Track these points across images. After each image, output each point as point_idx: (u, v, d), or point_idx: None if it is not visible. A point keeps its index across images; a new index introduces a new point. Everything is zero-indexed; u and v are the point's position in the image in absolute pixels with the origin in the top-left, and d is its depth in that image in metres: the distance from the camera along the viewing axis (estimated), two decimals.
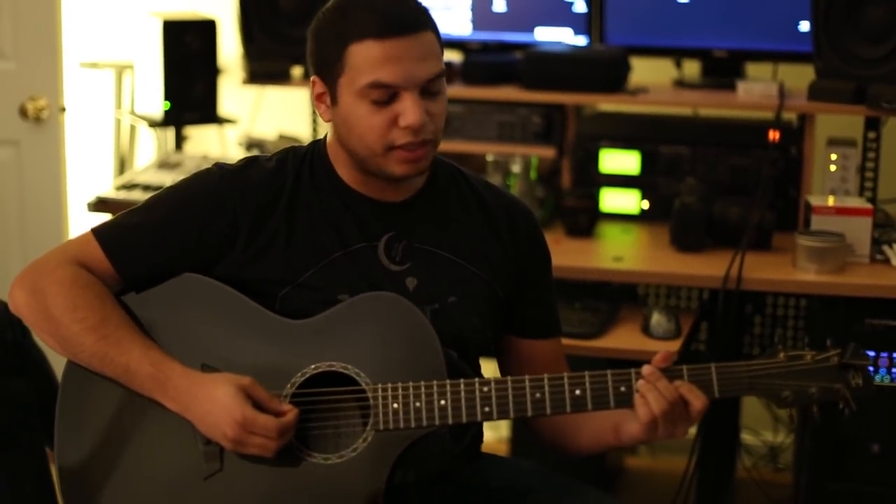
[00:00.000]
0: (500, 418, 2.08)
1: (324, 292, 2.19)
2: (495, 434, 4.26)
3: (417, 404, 2.07)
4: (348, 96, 2.13)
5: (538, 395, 2.07)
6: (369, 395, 2.09)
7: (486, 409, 2.07)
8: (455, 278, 2.25)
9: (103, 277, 2.20)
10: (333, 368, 2.12)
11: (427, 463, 2.19)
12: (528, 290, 2.34)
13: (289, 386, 2.11)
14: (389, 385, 2.08)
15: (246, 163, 2.28)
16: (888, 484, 3.14)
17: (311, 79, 2.21)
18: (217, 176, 2.25)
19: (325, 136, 2.30)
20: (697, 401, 2.05)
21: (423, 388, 2.08)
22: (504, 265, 2.30)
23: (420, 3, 2.19)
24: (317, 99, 2.21)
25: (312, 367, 2.12)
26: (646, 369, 2.07)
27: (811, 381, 2.06)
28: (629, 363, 3.58)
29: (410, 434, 2.08)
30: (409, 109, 2.09)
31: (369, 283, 2.20)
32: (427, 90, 2.12)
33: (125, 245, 2.21)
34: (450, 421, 2.07)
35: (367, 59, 2.09)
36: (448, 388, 2.08)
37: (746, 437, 4.10)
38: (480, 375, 2.28)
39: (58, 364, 3.17)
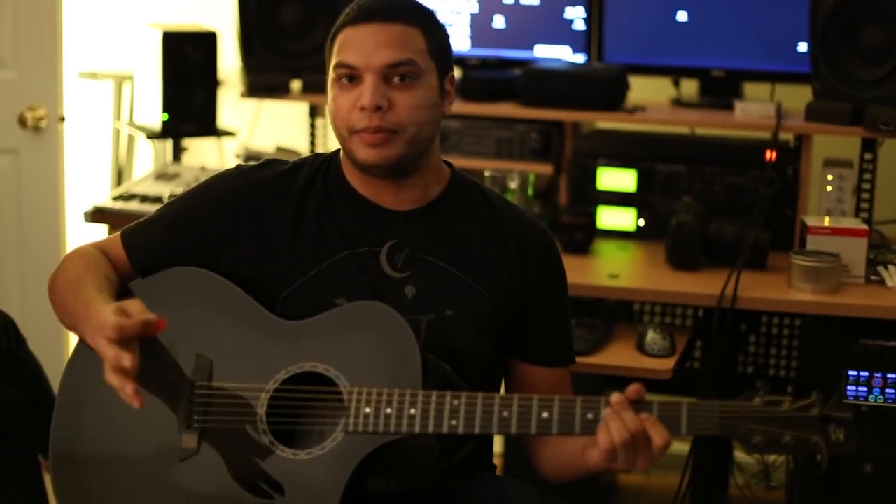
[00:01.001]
0: (465, 432, 2.07)
1: (323, 294, 2.23)
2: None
3: (388, 410, 2.09)
4: (329, 83, 2.24)
5: (505, 413, 2.07)
6: (345, 396, 2.12)
7: (454, 422, 2.08)
8: (455, 292, 2.26)
9: (119, 265, 2.33)
10: (316, 369, 2.16)
11: (414, 474, 2.22)
12: (535, 316, 2.33)
13: (272, 382, 2.17)
14: (365, 389, 2.11)
15: (263, 163, 2.37)
16: None
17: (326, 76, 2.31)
18: (231, 174, 2.36)
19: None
20: (659, 437, 1.99)
21: (395, 396, 2.10)
22: (510, 287, 2.30)
23: (417, 3, 2.27)
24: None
25: (297, 366, 2.17)
26: (614, 397, 2.03)
27: (787, 429, 1.98)
28: (623, 380, 3.58)
29: (377, 439, 2.10)
30: (364, 91, 2.17)
31: (369, 287, 2.23)
32: (391, 79, 2.18)
33: (139, 238, 2.34)
34: (416, 430, 2.08)
35: (342, 42, 2.21)
36: (420, 397, 2.09)
37: (739, 454, 4.09)
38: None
39: (52, 372, 3.18)
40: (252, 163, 2.39)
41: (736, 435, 1.99)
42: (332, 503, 2.09)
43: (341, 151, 2.31)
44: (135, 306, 2.11)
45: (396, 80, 2.19)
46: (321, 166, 2.34)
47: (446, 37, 2.29)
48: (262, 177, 2.32)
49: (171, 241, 2.32)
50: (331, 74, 2.23)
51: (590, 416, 2.05)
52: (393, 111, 2.18)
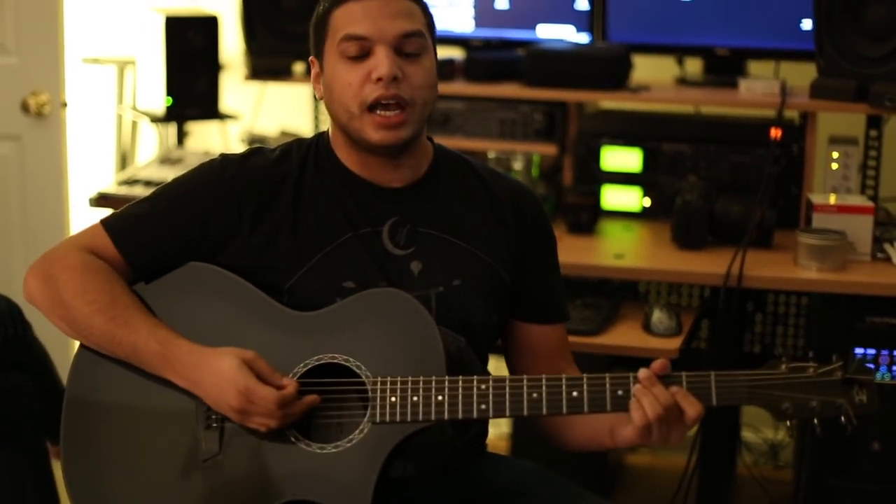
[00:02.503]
0: (495, 416, 2.07)
1: (330, 279, 2.21)
2: (496, 431, 4.26)
3: (415, 398, 2.08)
4: (330, 59, 2.19)
5: (535, 395, 2.07)
6: (368, 387, 2.10)
7: (483, 406, 2.07)
8: (459, 261, 2.26)
9: (112, 266, 2.23)
10: (336, 360, 2.13)
11: (429, 455, 2.21)
12: (531, 273, 2.34)
13: (291, 375, 2.13)
14: (389, 378, 2.09)
15: (249, 152, 2.31)
16: (888, 482, 3.14)
17: (310, 60, 2.27)
18: (220, 165, 2.28)
19: (329, 128, 2.32)
20: (691, 408, 2.03)
21: (421, 383, 2.08)
22: (509, 249, 2.31)
23: None
24: (314, 80, 2.27)
25: (315, 358, 2.14)
26: (642, 373, 2.05)
27: (813, 394, 2.02)
28: (630, 360, 3.58)
29: (406, 428, 2.09)
30: (380, 61, 2.14)
31: (374, 267, 2.22)
32: (402, 51, 2.17)
33: (132, 234, 2.24)
34: (446, 416, 2.07)
35: (344, 17, 2.16)
36: (446, 384, 2.08)
37: (747, 434, 4.10)
38: (485, 362, 2.30)
39: (58, 359, 3.19)
40: (233, 153, 2.33)
41: (765, 403, 2.03)
42: (366, 496, 2.07)
43: (330, 132, 2.29)
44: (261, 365, 2.11)
45: (406, 52, 2.17)
46: (310, 150, 2.31)
47: (433, 20, 2.28)
48: (255, 165, 2.27)
49: (167, 239, 2.24)
50: (331, 52, 2.19)
51: (620, 392, 2.06)
52: (406, 82, 2.16)
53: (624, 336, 3.12)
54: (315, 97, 2.24)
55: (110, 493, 2.19)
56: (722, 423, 3.61)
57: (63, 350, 3.45)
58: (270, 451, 2.12)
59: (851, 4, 3.34)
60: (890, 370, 3.09)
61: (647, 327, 3.11)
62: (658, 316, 3.11)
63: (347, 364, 2.13)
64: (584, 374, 2.09)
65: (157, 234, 2.24)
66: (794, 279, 3.18)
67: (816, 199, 3.26)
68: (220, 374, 2.09)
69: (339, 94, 2.18)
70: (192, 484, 2.14)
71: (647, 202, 3.70)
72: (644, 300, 3.65)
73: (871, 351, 3.08)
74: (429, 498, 2.25)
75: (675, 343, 3.06)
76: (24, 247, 3.98)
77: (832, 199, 3.26)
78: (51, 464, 3.01)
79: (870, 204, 3.24)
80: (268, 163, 2.27)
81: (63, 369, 3.00)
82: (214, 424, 2.15)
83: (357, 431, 2.10)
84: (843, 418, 2.02)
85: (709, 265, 3.21)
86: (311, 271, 2.22)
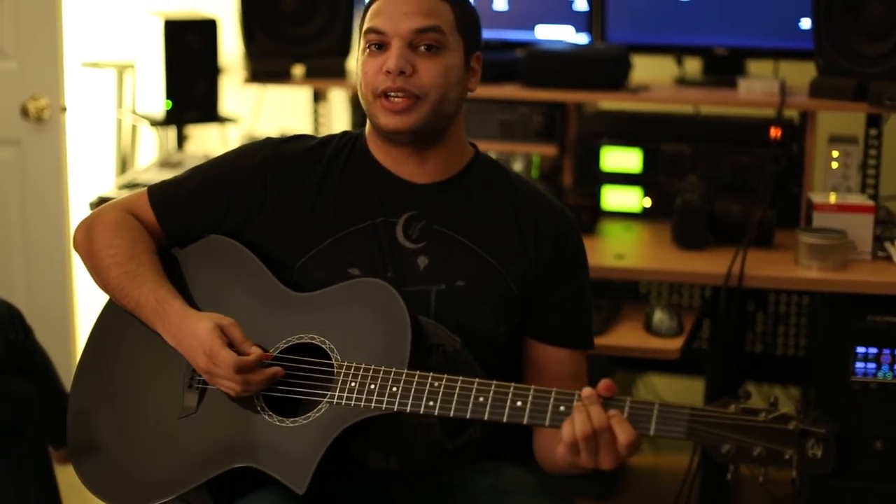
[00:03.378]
0: (440, 414, 2.09)
1: (337, 264, 2.29)
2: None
3: (372, 386, 2.13)
4: (359, 52, 2.31)
5: (481, 398, 2.07)
6: (335, 369, 2.17)
7: (431, 403, 2.09)
8: (467, 264, 2.29)
9: (149, 228, 2.42)
10: (314, 341, 2.22)
11: (413, 453, 2.26)
12: (549, 294, 2.33)
13: (272, 350, 2.24)
14: (354, 364, 2.16)
15: (291, 137, 2.46)
16: (891, 481, 3.14)
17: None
18: (258, 146, 2.43)
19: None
20: (623, 435, 1.96)
21: (381, 373, 2.13)
22: (524, 263, 2.31)
23: None
24: None
25: (296, 336, 2.24)
26: (585, 391, 2.01)
27: (759, 440, 1.88)
28: (632, 361, 3.57)
29: (359, 413, 2.13)
30: (391, 55, 2.23)
31: (382, 257, 2.27)
32: (417, 46, 2.24)
33: (169, 201, 2.42)
34: (395, 408, 2.11)
35: (373, 11, 2.27)
36: (403, 377, 2.12)
37: None
38: (488, 370, 2.29)
39: (60, 364, 3.18)
40: (279, 136, 2.46)
41: (705, 441, 1.91)
42: (307, 472, 2.12)
43: (367, 125, 2.37)
44: (235, 332, 2.22)
45: (422, 48, 2.24)
46: (348, 142, 2.40)
47: (476, 16, 2.35)
48: (290, 149, 2.40)
49: (197, 206, 2.39)
50: (361, 43, 2.29)
51: (562, 408, 2.03)
52: (417, 76, 2.23)
53: (625, 337, 3.11)
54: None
55: (102, 426, 2.35)
56: None
57: (64, 354, 3.45)
58: (237, 418, 2.23)
59: (850, 3, 3.34)
60: (892, 369, 3.08)
61: (649, 328, 3.11)
62: (659, 316, 3.11)
63: (323, 346, 2.21)
64: (532, 386, 2.07)
65: (189, 204, 2.41)
66: (795, 278, 3.18)
67: (817, 198, 3.26)
68: (195, 335, 2.23)
69: (361, 81, 2.29)
70: (166, 434, 2.28)
71: (647, 202, 3.70)
72: (645, 300, 3.65)
73: (873, 350, 3.08)
74: (410, 495, 2.29)
75: (676, 343, 3.06)
76: (25, 251, 3.98)
77: (832, 199, 3.26)
78: (53, 469, 3.01)
79: (870, 203, 3.24)
80: (303, 149, 2.40)
81: (64, 374, 3.00)
82: (197, 385, 2.28)
83: (314, 410, 2.17)
84: (792, 472, 1.89)
85: (709, 265, 3.21)
86: (321, 254, 2.31)
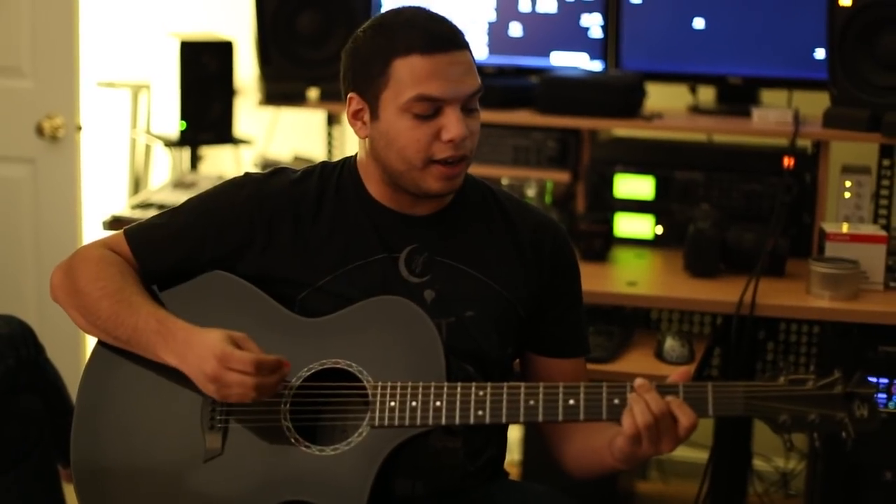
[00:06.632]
0: (492, 422, 2.08)
1: (342, 298, 2.24)
2: (507, 457, 4.25)
3: (413, 403, 2.10)
4: (391, 111, 2.18)
5: (532, 402, 2.07)
6: (369, 391, 2.13)
7: (480, 412, 2.08)
8: (474, 293, 2.28)
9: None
10: (339, 365, 2.17)
11: (439, 476, 2.23)
12: (550, 308, 2.35)
13: (295, 379, 2.17)
14: (389, 383, 2.12)
15: (272, 172, 2.36)
16: None
17: (348, 96, 2.26)
18: (240, 184, 2.34)
19: (357, 153, 2.35)
20: (685, 417, 2.00)
21: (420, 389, 2.10)
22: (527, 285, 2.32)
23: (455, 24, 2.25)
24: (353, 116, 2.27)
25: (318, 363, 2.18)
26: (638, 381, 2.04)
27: (811, 407, 1.98)
28: None
29: (405, 432, 2.10)
30: (452, 123, 2.16)
31: (387, 293, 2.24)
32: (466, 107, 2.19)
33: (148, 243, 2.34)
34: (443, 421, 2.08)
35: (412, 73, 2.15)
36: (445, 389, 2.10)
37: (758, 463, 4.08)
38: None
39: (70, 381, 3.18)
40: (258, 172, 2.39)
41: (762, 414, 2.00)
42: (361, 499, 2.08)
43: (359, 160, 2.32)
44: (248, 343, 2.15)
45: (470, 108, 2.21)
46: (333, 173, 2.35)
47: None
48: (274, 185, 2.32)
49: (180, 250, 2.32)
50: (393, 103, 2.17)
51: (616, 401, 2.05)
52: (470, 138, 2.20)
53: (636, 363, 3.11)
54: (352, 132, 2.26)
55: (118, 498, 2.25)
56: (733, 451, 3.60)
57: (75, 372, 3.45)
58: (271, 452, 2.16)
59: (864, 33, 3.34)
60: None
61: (660, 355, 3.11)
62: (670, 343, 3.10)
63: (350, 369, 2.16)
64: (581, 383, 2.08)
65: (170, 246, 2.32)
66: (807, 308, 3.17)
67: (829, 227, 3.26)
68: (204, 344, 2.14)
69: (402, 147, 2.19)
70: (193, 483, 2.19)
71: (659, 230, 3.70)
72: (656, 328, 3.64)
73: (884, 380, 3.07)
74: None
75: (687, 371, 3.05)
76: (38, 270, 3.99)
77: (845, 228, 3.25)
78: (62, 487, 3.01)
79: (883, 233, 3.24)
80: (286, 184, 2.32)
81: (74, 392, 3.00)
82: (219, 425, 2.20)
83: (356, 435, 2.13)
84: (843, 433, 1.99)
85: (721, 293, 3.21)
86: (322, 290, 2.26)
